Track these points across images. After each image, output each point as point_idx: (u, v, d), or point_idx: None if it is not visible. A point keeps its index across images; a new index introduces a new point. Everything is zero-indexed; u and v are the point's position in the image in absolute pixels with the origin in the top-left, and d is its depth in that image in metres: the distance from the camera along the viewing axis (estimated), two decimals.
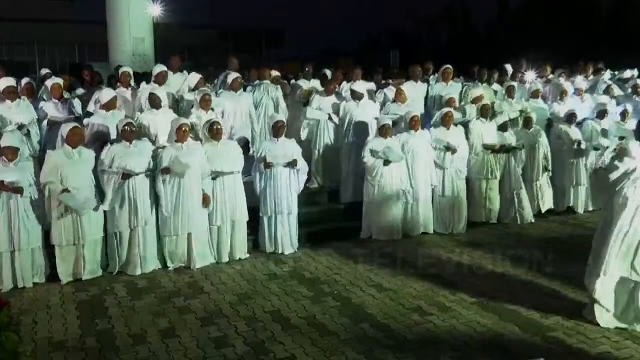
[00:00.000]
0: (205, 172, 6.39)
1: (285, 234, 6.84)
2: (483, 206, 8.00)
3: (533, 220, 8.17)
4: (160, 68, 7.69)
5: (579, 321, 4.76)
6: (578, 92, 9.56)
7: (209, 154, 6.48)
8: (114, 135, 6.52)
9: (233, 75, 7.92)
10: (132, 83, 7.88)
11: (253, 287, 5.75)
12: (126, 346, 4.50)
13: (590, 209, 8.64)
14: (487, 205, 8.01)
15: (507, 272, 6.07)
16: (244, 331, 4.73)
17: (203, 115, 7.00)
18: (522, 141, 8.20)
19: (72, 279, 5.97)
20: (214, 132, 6.54)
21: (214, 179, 6.50)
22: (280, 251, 6.83)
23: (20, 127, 6.55)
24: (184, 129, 6.28)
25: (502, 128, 8.13)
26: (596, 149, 8.44)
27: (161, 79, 7.53)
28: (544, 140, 8.42)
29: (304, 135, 8.20)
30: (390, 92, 8.67)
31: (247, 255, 6.71)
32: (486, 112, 8.04)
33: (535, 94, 9.18)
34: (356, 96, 8.04)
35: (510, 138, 8.11)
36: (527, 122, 8.41)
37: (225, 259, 6.57)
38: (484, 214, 8.02)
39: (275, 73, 8.91)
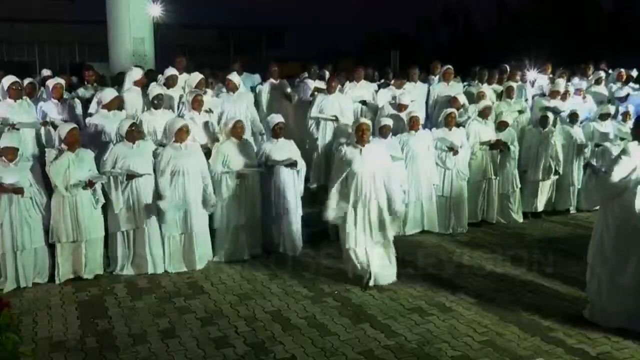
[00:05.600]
0: (217, 172, 6.43)
1: (290, 234, 6.81)
2: (480, 206, 8.01)
3: (520, 220, 8.18)
4: (171, 71, 7.76)
5: (579, 321, 4.76)
6: (579, 92, 9.56)
7: (230, 153, 6.48)
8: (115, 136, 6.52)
9: (231, 77, 7.93)
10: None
11: (253, 287, 5.76)
12: (126, 346, 4.51)
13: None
14: (485, 205, 8.02)
15: (507, 272, 6.08)
16: (244, 331, 4.73)
17: (196, 116, 7.00)
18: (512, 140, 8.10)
19: (72, 277, 5.95)
20: (236, 130, 6.57)
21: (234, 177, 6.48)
22: (283, 251, 6.81)
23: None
24: (183, 129, 6.28)
25: (500, 127, 8.05)
26: (597, 145, 8.39)
27: (171, 82, 7.65)
28: (556, 141, 8.28)
29: (315, 133, 8.16)
30: (391, 91, 8.67)
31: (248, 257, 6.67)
32: (486, 113, 8.01)
33: (563, 96, 9.00)
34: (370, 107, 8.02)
35: (506, 137, 8.03)
36: (543, 121, 8.27)
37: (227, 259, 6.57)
38: (481, 213, 8.03)
39: None
